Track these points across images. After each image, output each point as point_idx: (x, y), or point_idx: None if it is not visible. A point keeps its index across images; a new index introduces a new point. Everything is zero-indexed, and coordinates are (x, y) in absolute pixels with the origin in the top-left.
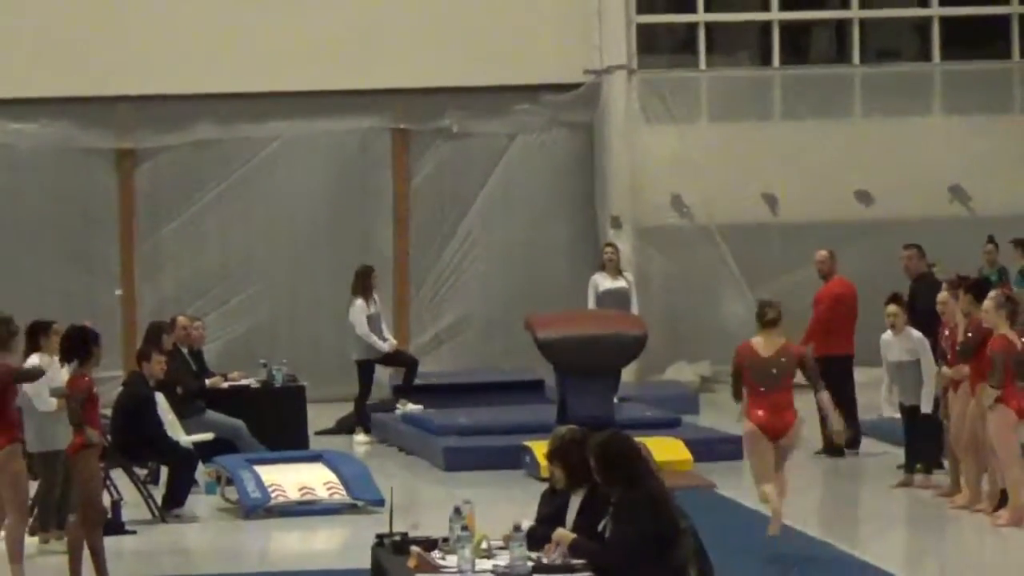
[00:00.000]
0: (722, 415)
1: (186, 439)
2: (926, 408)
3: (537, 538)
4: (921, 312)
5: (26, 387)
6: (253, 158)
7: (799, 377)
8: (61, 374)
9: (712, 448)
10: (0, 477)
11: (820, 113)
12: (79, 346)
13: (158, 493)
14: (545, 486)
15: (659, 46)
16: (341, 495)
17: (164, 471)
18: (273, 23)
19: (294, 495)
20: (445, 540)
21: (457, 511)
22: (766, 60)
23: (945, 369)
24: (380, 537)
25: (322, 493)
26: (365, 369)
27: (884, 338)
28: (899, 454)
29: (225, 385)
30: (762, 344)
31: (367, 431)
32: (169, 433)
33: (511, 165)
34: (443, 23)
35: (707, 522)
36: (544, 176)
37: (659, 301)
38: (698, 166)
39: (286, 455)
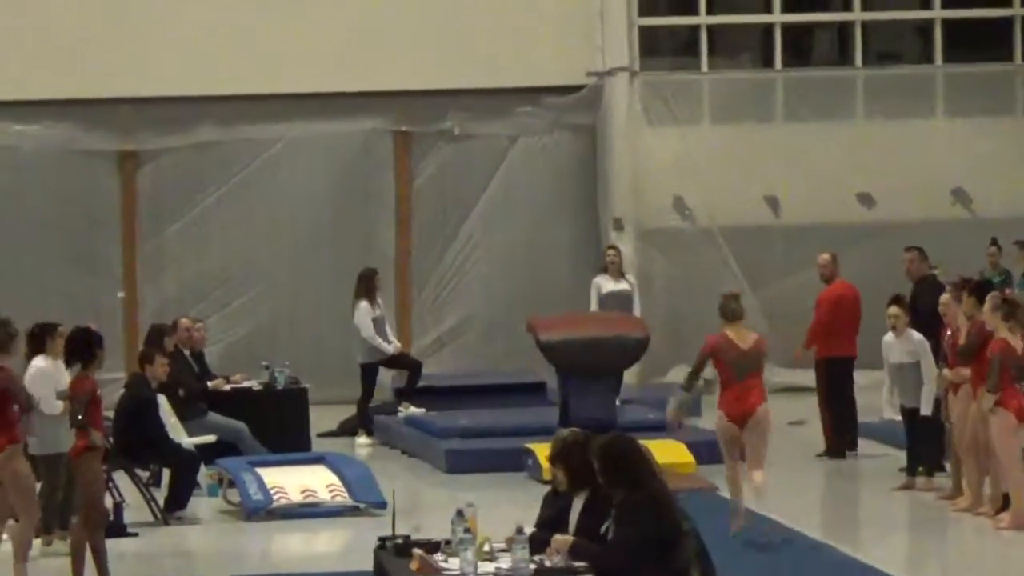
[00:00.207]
0: None
1: (188, 441)
2: (925, 410)
3: (539, 541)
4: (923, 314)
5: (32, 390)
6: (255, 160)
7: (804, 380)
8: (65, 376)
9: (714, 451)
10: (3, 478)
11: (822, 115)
12: (83, 348)
13: (160, 495)
14: (547, 489)
15: (661, 48)
16: (343, 497)
17: (166, 473)
18: (275, 25)
19: (296, 497)
20: (447, 542)
21: (459, 514)
22: (768, 62)
23: (945, 371)
24: (382, 540)
25: (324, 495)
26: (369, 372)
27: (885, 340)
28: (900, 456)
29: (227, 387)
30: (737, 337)
31: (369, 433)
32: (171, 435)
33: (513, 167)
34: (445, 25)
35: (709, 524)
36: (546, 178)
37: (661, 303)
38: (700, 168)
39: (288, 457)
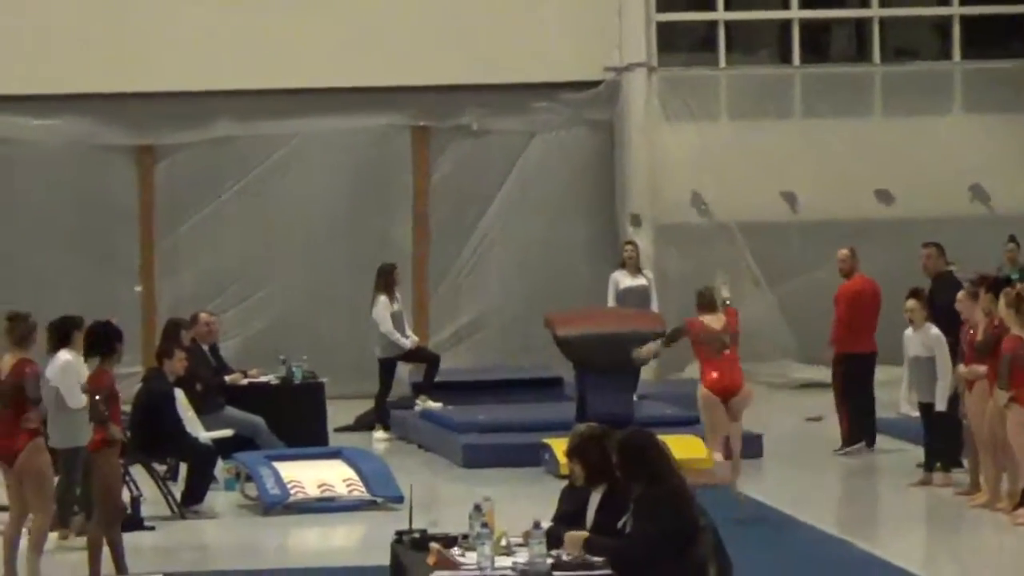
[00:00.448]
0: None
1: (205, 435)
2: (940, 406)
3: (556, 536)
4: (940, 311)
5: (55, 383)
6: (272, 155)
7: (822, 376)
8: (86, 370)
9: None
10: (25, 472)
11: (840, 112)
12: (102, 342)
13: (177, 489)
14: (564, 483)
15: (679, 44)
16: (360, 492)
17: (183, 467)
18: (293, 20)
19: (313, 492)
20: (465, 537)
21: (477, 508)
22: (786, 58)
23: (961, 368)
24: (399, 534)
25: (341, 490)
26: (387, 366)
27: (906, 333)
28: (917, 452)
29: (244, 382)
30: (710, 320)
31: (386, 428)
32: (188, 429)
33: (530, 163)
34: (463, 20)
35: (727, 520)
36: (563, 174)
37: (678, 299)
38: (718, 164)
39: (305, 452)
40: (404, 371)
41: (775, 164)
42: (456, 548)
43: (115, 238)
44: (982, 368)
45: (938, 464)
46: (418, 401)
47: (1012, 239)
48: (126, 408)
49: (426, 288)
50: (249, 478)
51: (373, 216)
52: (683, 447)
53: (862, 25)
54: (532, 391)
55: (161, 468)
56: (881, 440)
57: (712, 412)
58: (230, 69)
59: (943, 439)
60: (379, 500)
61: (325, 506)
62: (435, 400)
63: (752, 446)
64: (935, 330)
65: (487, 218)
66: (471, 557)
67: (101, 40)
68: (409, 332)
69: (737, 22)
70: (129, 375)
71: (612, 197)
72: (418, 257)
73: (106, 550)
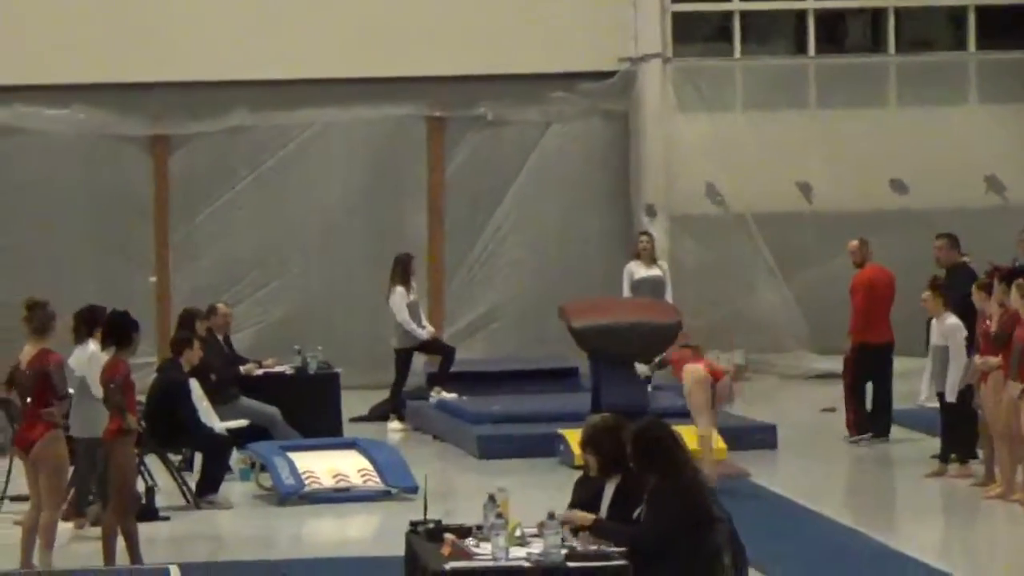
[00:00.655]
0: (756, 404)
1: (220, 426)
2: (949, 396)
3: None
4: (955, 302)
5: (81, 373)
6: (287, 145)
7: (837, 367)
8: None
9: (746, 437)
10: (42, 463)
11: (855, 102)
12: (120, 332)
13: (192, 479)
14: (579, 474)
15: (694, 34)
16: (375, 482)
17: (198, 457)
18: (308, 10)
19: (328, 482)
20: (479, 527)
21: (491, 499)
22: (801, 49)
23: (976, 359)
24: (414, 524)
25: (356, 480)
26: (403, 357)
27: (932, 323)
28: (932, 443)
29: (259, 372)
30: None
31: (401, 418)
32: (203, 420)
33: (545, 153)
34: (478, 10)
35: (741, 510)
36: (578, 164)
37: (693, 289)
38: (733, 155)
39: (320, 442)
40: (419, 362)
41: (790, 155)
42: (470, 539)
43: (129, 228)
44: (995, 359)
45: (953, 456)
46: (433, 392)
47: None
48: (141, 398)
49: (441, 278)
50: (264, 468)
51: (388, 206)
52: (698, 438)
53: (877, 15)
54: (547, 382)
55: (176, 458)
56: (897, 431)
57: (704, 388)
58: (245, 59)
59: (958, 430)
60: (394, 490)
61: (340, 496)
62: (450, 391)
63: (767, 437)
64: (951, 319)
65: (502, 208)
66: (485, 548)
67: (116, 30)
68: (425, 323)
69: (752, 12)
70: (144, 365)
71: (627, 188)
72: (433, 247)
73: (121, 540)
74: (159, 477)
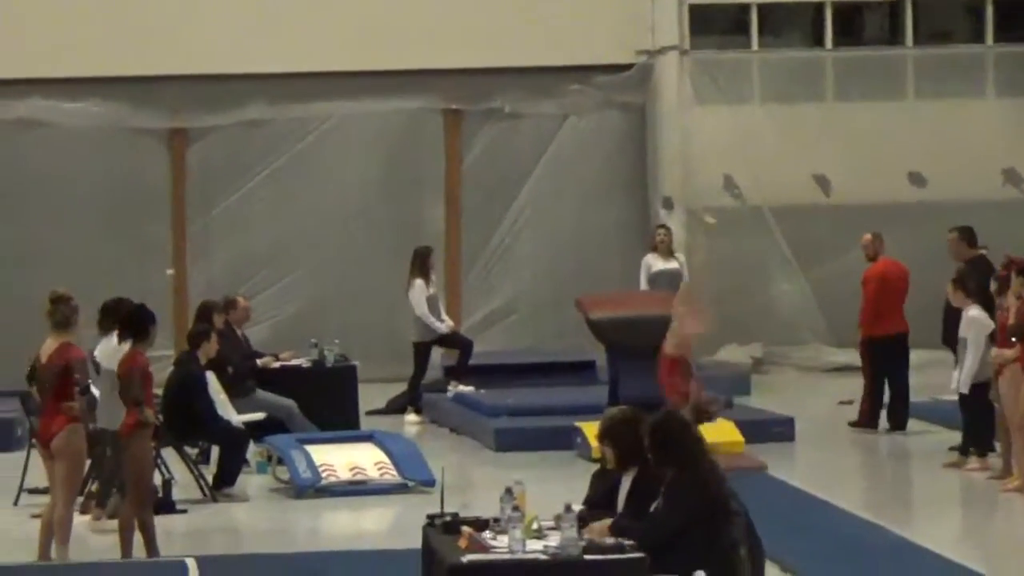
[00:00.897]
0: (774, 397)
1: (237, 419)
2: (962, 388)
3: (588, 519)
4: (972, 294)
5: (109, 366)
6: (304, 138)
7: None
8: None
9: (764, 430)
10: (59, 454)
11: (872, 95)
12: (136, 325)
13: (209, 472)
14: (596, 467)
15: (711, 27)
16: (392, 475)
17: (215, 450)
18: (326, 3)
19: (345, 475)
20: (496, 520)
21: (508, 491)
22: (819, 41)
23: (994, 351)
24: (431, 517)
25: (373, 473)
26: (422, 350)
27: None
28: (950, 435)
29: (276, 365)
30: None
31: (418, 411)
32: (220, 413)
33: (562, 146)
34: (495, 3)
35: (758, 503)
36: (596, 157)
37: (711, 282)
38: (750, 147)
39: (337, 435)
40: (436, 355)
41: (807, 147)
42: (487, 531)
43: (147, 221)
44: (1011, 352)
45: (971, 448)
46: (450, 386)
47: None
48: (158, 391)
49: (458, 271)
50: (281, 461)
51: (404, 199)
52: (714, 431)
53: (895, 8)
54: (564, 374)
55: (193, 451)
56: (915, 423)
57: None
58: (262, 52)
59: (975, 423)
60: (410, 483)
61: (356, 489)
62: (466, 384)
63: (784, 430)
64: (972, 311)
65: (519, 201)
66: (502, 540)
67: (133, 23)
68: (444, 316)
69: (770, 5)
70: (160, 358)
71: (644, 180)
72: (450, 240)
73: (138, 533)
74: (176, 470)
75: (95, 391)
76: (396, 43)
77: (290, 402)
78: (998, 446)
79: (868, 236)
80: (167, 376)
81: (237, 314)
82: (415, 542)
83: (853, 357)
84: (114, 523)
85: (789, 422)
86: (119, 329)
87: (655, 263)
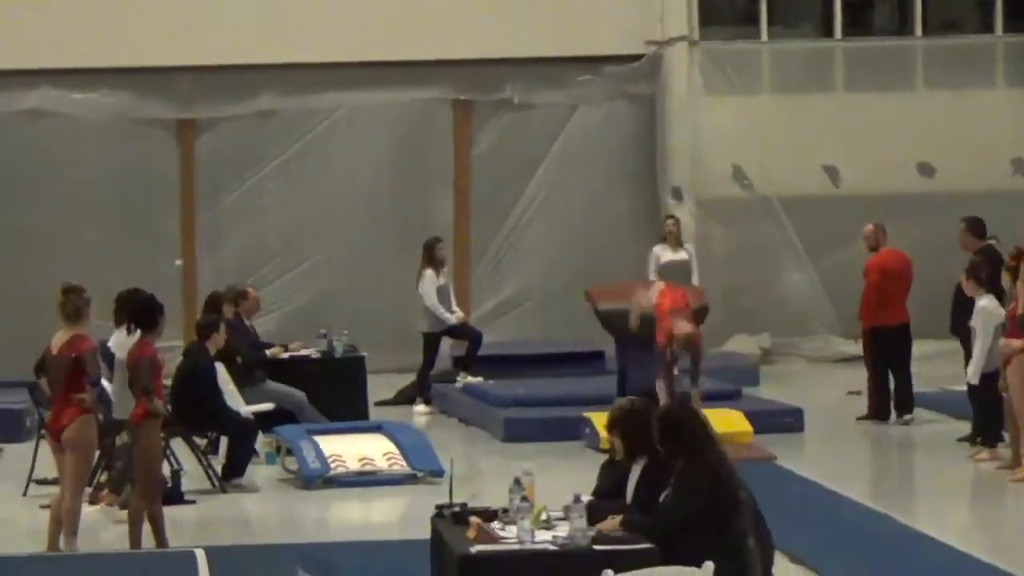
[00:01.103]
0: (783, 387)
1: (246, 409)
2: (971, 379)
3: (596, 509)
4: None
5: (122, 356)
6: (314, 129)
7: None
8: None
9: (772, 420)
10: (69, 445)
11: (882, 85)
12: (145, 315)
13: (218, 463)
14: (605, 457)
15: (721, 17)
16: (401, 466)
17: (224, 441)
18: None
19: (354, 466)
20: (505, 511)
21: (517, 482)
22: (828, 32)
23: (1001, 341)
24: (440, 508)
25: (382, 464)
26: (432, 341)
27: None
28: (958, 425)
29: (285, 356)
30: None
31: (427, 402)
32: (229, 403)
33: (572, 137)
34: None
35: (767, 494)
36: (605, 148)
37: (720, 273)
38: (759, 138)
39: (346, 426)
40: (446, 345)
41: (817, 138)
42: (496, 522)
43: (156, 212)
44: (1019, 342)
45: (979, 439)
46: (459, 376)
47: None
48: (166, 382)
49: (467, 262)
50: (289, 452)
51: (414, 190)
52: (723, 421)
53: None
54: (573, 365)
55: (202, 442)
56: (924, 413)
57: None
58: (272, 43)
59: (984, 414)
60: (419, 474)
61: (365, 480)
62: (475, 374)
63: (793, 421)
64: (982, 301)
65: (528, 192)
66: (511, 531)
67: (143, 13)
68: (455, 307)
69: None
70: (169, 349)
71: (653, 171)
72: (459, 231)
73: (147, 524)
74: (185, 461)
75: (105, 383)
76: (406, 34)
77: (300, 393)
78: (1007, 436)
79: (870, 227)
80: (176, 367)
81: (247, 305)
82: (424, 533)
83: (862, 348)
84: (123, 514)
85: (798, 413)
86: (128, 320)
87: (664, 254)
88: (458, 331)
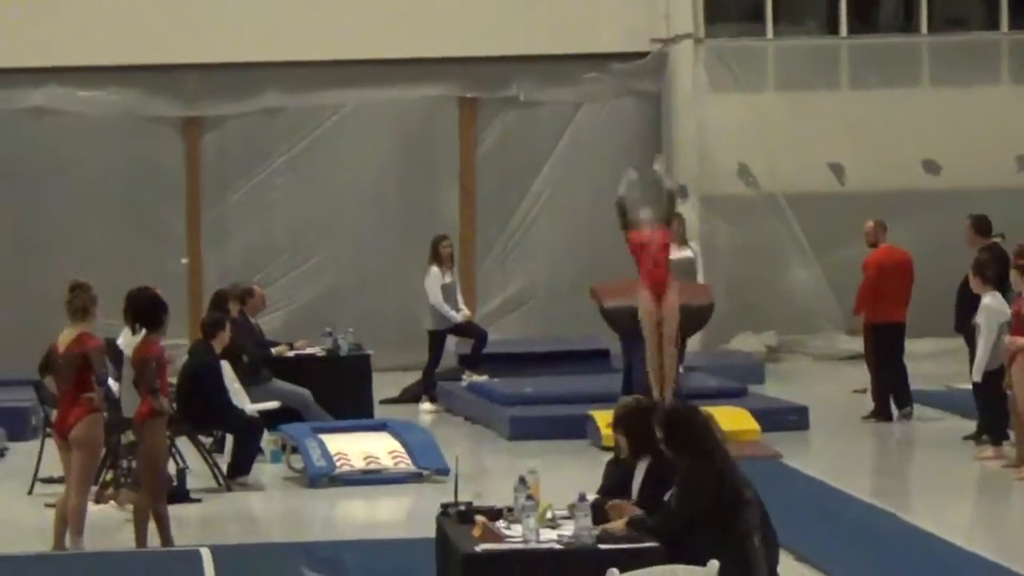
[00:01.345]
0: (788, 385)
1: (251, 407)
2: (974, 376)
3: (601, 508)
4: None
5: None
6: (320, 127)
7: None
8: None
9: (778, 418)
10: (76, 443)
11: (887, 82)
12: (149, 313)
13: (223, 461)
14: (610, 455)
15: (726, 15)
16: (406, 464)
17: (229, 439)
18: None
19: (359, 464)
20: (510, 509)
21: (522, 480)
22: (833, 29)
23: (1006, 339)
24: (445, 506)
25: (387, 462)
26: (437, 339)
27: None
28: (962, 423)
29: (291, 354)
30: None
31: (433, 400)
32: (234, 401)
33: (578, 134)
34: None
35: (772, 492)
36: (610, 145)
37: (725, 270)
38: (765, 135)
39: (351, 424)
40: (451, 343)
41: (822, 135)
42: (501, 520)
43: (162, 209)
44: (1022, 340)
45: (984, 436)
46: (464, 375)
47: None
48: (172, 380)
49: (473, 259)
50: (295, 450)
51: (420, 187)
52: (729, 419)
53: None
54: (578, 363)
55: (207, 440)
56: (928, 411)
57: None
58: (278, 40)
59: (989, 412)
60: (425, 472)
61: (371, 478)
62: (481, 372)
63: (798, 418)
64: (986, 299)
65: (534, 189)
66: (516, 530)
67: (149, 11)
68: (461, 305)
69: None
70: (175, 347)
71: None
72: (465, 228)
73: (152, 522)
74: (190, 459)
75: (112, 382)
76: (412, 31)
77: (305, 391)
78: (1012, 434)
79: (870, 223)
80: (181, 365)
81: (253, 303)
82: (429, 531)
83: None
84: (128, 512)
85: (803, 410)
86: (132, 318)
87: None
88: (463, 329)
